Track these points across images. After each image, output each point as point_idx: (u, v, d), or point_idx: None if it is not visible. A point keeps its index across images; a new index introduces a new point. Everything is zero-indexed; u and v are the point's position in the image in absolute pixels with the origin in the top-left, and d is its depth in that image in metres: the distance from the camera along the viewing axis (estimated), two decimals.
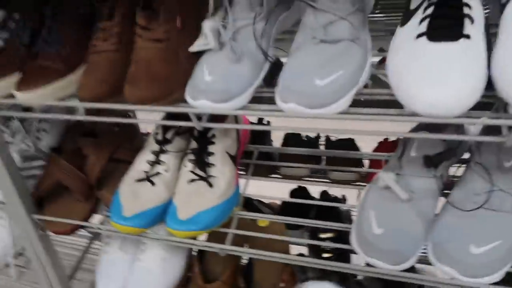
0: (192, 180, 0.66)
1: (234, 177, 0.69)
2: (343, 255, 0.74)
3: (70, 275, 0.90)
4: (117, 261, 0.88)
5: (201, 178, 0.66)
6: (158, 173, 0.68)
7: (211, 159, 0.67)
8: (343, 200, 0.87)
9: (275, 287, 0.75)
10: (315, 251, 0.75)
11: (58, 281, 0.84)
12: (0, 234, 1.09)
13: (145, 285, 0.81)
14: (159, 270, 0.83)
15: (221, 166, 0.67)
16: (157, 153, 0.70)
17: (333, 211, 0.82)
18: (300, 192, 1.25)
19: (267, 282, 0.81)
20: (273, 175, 1.07)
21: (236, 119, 0.74)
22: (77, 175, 0.75)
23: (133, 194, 0.66)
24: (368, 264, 0.57)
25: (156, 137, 0.71)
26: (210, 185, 0.65)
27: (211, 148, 0.68)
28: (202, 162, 0.67)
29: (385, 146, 0.97)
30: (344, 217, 0.82)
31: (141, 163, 0.70)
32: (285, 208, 1.05)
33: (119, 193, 0.67)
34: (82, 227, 0.76)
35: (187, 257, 0.89)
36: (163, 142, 0.70)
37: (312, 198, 1.20)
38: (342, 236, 0.77)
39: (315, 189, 0.97)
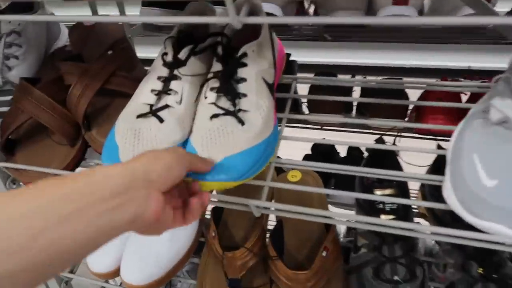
0: (215, 116, 0.48)
1: (273, 112, 0.51)
2: (405, 219, 0.58)
3: None
4: None
5: (228, 112, 0.47)
6: (167, 106, 0.50)
7: (241, 88, 0.49)
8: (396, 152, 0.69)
9: (314, 256, 0.59)
10: (370, 213, 0.59)
11: None
12: None
13: (146, 253, 0.65)
14: (164, 234, 0.67)
15: (255, 97, 0.49)
16: (166, 80, 0.51)
17: (388, 163, 0.65)
18: (324, 147, 1.08)
19: (304, 250, 0.65)
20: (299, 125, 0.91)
21: (271, 36, 0.55)
22: (57, 109, 0.56)
23: (134, 133, 0.48)
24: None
25: (164, 57, 0.52)
26: (241, 122, 0.47)
27: (242, 72, 0.49)
28: (229, 90, 0.48)
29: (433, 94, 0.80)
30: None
31: (143, 94, 0.51)
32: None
33: (115, 132, 0.49)
34: None
35: (198, 220, 0.72)
36: (174, 64, 0.51)
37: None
38: (405, 194, 0.60)
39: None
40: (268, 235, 0.68)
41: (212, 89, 0.49)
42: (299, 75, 0.88)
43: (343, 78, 0.83)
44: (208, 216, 0.81)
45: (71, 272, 0.72)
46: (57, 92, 0.58)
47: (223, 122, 0.47)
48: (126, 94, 0.59)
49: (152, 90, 0.51)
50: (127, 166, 0.34)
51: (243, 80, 0.49)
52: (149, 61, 0.64)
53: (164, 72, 0.52)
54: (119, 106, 0.60)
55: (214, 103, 0.48)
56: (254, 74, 0.50)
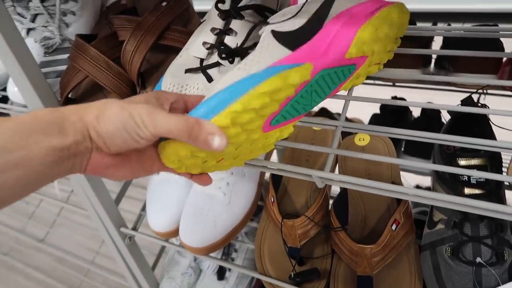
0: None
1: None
2: (496, 194, 0.50)
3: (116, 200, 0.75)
4: (169, 184, 0.71)
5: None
6: (218, 64, 0.45)
7: None
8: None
9: (382, 229, 0.54)
10: (451, 185, 0.51)
11: (101, 205, 0.68)
12: None
13: (204, 215, 0.63)
14: (223, 197, 0.65)
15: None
16: (219, 33, 0.46)
17: (476, 127, 0.56)
18: (395, 106, 0.98)
19: (370, 222, 0.60)
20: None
21: None
22: (112, 68, 0.54)
23: (180, 89, 0.44)
24: None
25: (219, 6, 0.46)
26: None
27: None
28: None
29: None
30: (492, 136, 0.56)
31: (195, 46, 0.47)
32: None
33: (161, 84, 0.46)
34: None
35: (258, 183, 0.69)
36: (231, 14, 0.46)
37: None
38: (495, 164, 0.52)
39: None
40: (331, 202, 0.63)
41: None
42: None
43: (423, 26, 0.72)
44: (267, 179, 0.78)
45: (134, 229, 0.74)
46: (112, 49, 0.56)
47: None
48: (181, 50, 0.55)
49: (204, 43, 0.46)
50: (61, 114, 0.32)
51: None
52: (205, 14, 0.59)
53: (219, 23, 0.46)
54: None
55: None
56: None
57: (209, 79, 0.43)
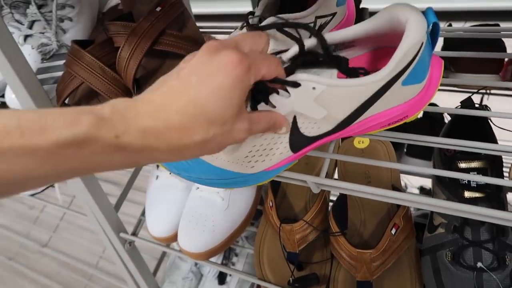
0: None
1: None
2: (496, 197, 0.49)
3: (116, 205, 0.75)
4: (168, 189, 0.71)
5: None
6: None
7: None
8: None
9: (381, 233, 0.53)
10: (451, 189, 0.50)
11: (100, 211, 0.68)
12: None
13: (203, 220, 0.63)
14: (221, 202, 0.64)
15: None
16: None
17: (476, 129, 0.55)
18: None
19: (369, 226, 0.59)
20: None
21: None
22: (107, 74, 0.54)
23: None
24: None
25: (250, 19, 0.44)
26: None
27: None
28: None
29: None
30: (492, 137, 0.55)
31: None
32: None
33: None
34: None
35: (256, 188, 0.69)
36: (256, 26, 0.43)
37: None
38: (496, 166, 0.51)
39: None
40: (330, 206, 0.62)
41: None
42: None
43: None
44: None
45: (134, 234, 0.74)
46: (108, 55, 0.56)
47: None
48: (177, 54, 0.55)
49: None
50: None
51: None
52: (202, 17, 0.58)
53: None
54: (170, 68, 0.56)
55: None
56: None
57: None
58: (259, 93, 0.32)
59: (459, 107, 0.54)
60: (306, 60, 0.32)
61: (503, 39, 0.67)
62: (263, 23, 0.41)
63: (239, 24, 0.71)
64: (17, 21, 0.68)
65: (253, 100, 0.33)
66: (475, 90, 0.65)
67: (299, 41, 0.32)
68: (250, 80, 0.27)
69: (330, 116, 0.33)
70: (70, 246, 1.40)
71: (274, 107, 0.32)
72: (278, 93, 0.32)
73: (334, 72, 0.33)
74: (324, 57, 0.31)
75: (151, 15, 0.54)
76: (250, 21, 0.44)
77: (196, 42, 0.56)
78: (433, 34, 0.33)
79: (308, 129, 0.34)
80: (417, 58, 0.32)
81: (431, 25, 0.32)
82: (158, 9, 0.55)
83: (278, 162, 0.36)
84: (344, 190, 0.42)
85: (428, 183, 1.11)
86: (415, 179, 1.07)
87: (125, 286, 1.16)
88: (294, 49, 0.32)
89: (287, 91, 0.31)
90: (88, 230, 1.39)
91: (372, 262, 0.52)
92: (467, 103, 0.53)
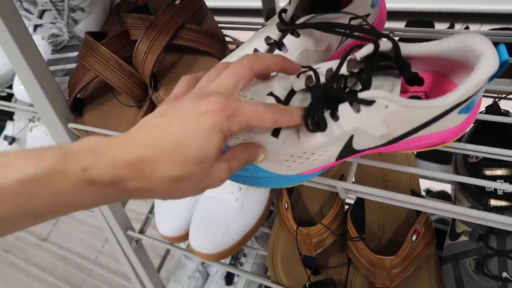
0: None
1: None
2: None
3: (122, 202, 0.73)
4: None
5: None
6: None
7: None
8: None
9: (401, 239, 0.52)
10: (476, 196, 0.49)
11: (108, 208, 0.66)
12: (48, 144, 0.94)
13: (215, 221, 0.61)
14: (235, 202, 0.63)
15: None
16: (272, 44, 0.41)
17: (501, 135, 0.54)
18: None
19: (388, 232, 0.58)
20: None
21: None
22: (123, 68, 0.52)
23: None
24: None
25: (283, 15, 0.41)
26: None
27: None
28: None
29: None
30: None
31: (245, 50, 0.43)
32: None
33: None
34: None
35: (270, 188, 0.67)
36: (289, 27, 0.40)
37: None
38: None
39: None
40: (347, 209, 0.61)
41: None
42: (387, 25, 0.76)
43: (440, 30, 0.70)
44: None
45: (141, 232, 0.72)
46: (123, 48, 0.54)
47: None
48: (196, 49, 0.53)
49: (255, 50, 0.42)
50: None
51: None
52: (219, 11, 0.56)
53: (274, 34, 0.42)
54: (188, 63, 0.55)
55: None
56: None
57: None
58: (329, 101, 0.31)
59: (484, 112, 0.52)
60: (376, 64, 0.30)
61: None
62: (301, 21, 0.39)
63: (250, 19, 0.69)
64: (26, 10, 0.66)
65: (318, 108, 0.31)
66: (496, 95, 0.64)
67: (375, 41, 0.30)
68: (231, 127, 0.27)
69: (388, 134, 0.32)
70: (69, 239, 1.37)
71: (338, 119, 0.31)
72: (351, 104, 0.30)
73: (398, 82, 0.32)
74: (397, 62, 0.30)
75: (171, 8, 0.52)
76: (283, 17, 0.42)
77: (215, 37, 0.55)
78: (499, 69, 0.32)
79: (360, 144, 0.33)
80: (480, 91, 0.32)
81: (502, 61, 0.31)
82: (177, 2, 0.53)
83: (316, 168, 0.34)
84: (372, 196, 0.41)
85: (434, 185, 1.10)
86: (421, 182, 1.06)
87: (124, 282, 1.14)
88: (368, 48, 0.31)
89: (357, 106, 0.30)
90: (87, 224, 1.37)
91: (393, 268, 0.50)
92: (492, 109, 0.52)
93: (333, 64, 0.33)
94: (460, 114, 0.33)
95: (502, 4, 1.23)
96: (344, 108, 0.31)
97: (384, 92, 0.30)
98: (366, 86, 0.30)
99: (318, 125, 0.31)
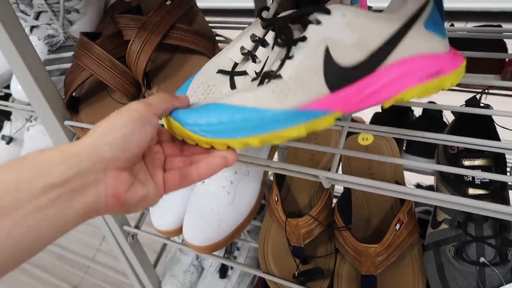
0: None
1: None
2: (500, 194, 0.50)
3: None
4: None
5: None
6: (245, 73, 0.41)
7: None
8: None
9: (385, 228, 0.54)
10: (455, 185, 0.52)
11: None
12: (45, 143, 0.96)
13: (208, 214, 0.64)
14: (226, 196, 0.65)
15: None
16: (257, 41, 0.42)
17: (480, 128, 0.56)
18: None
19: (373, 221, 0.60)
20: None
21: None
22: (117, 67, 0.54)
23: (206, 88, 0.42)
24: None
25: (263, 14, 0.44)
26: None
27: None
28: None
29: None
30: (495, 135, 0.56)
31: (234, 48, 0.44)
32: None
33: (192, 79, 0.44)
34: None
35: (261, 182, 0.69)
36: (270, 25, 0.40)
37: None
38: (499, 164, 0.52)
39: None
40: (334, 201, 0.63)
41: None
42: None
43: None
44: (270, 178, 0.78)
45: (136, 227, 0.74)
46: (117, 48, 0.56)
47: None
48: (187, 49, 0.55)
49: (242, 48, 0.43)
50: (70, 148, 0.28)
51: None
52: (211, 11, 0.58)
53: (259, 31, 0.43)
54: (179, 62, 0.57)
55: None
56: None
57: (233, 86, 0.41)
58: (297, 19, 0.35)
59: (464, 105, 0.55)
60: None
61: (504, 40, 0.68)
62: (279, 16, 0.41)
63: (242, 19, 0.71)
64: (22, 11, 0.68)
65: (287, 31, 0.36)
66: (477, 90, 0.66)
67: None
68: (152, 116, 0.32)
69: (361, 42, 0.34)
70: (66, 238, 1.38)
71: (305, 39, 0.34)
72: (311, 22, 0.34)
73: None
74: None
75: (162, 9, 0.54)
76: (264, 15, 0.44)
77: (205, 36, 0.57)
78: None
79: (341, 57, 0.34)
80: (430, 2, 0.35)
81: None
82: (168, 2, 0.56)
83: (314, 100, 0.33)
84: (355, 185, 0.43)
85: (424, 180, 1.13)
86: (412, 176, 1.09)
87: (122, 278, 1.16)
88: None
89: (317, 21, 0.34)
90: (85, 222, 1.38)
91: (377, 256, 0.53)
92: (472, 102, 0.55)
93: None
94: (430, 31, 0.36)
95: (486, 3, 1.26)
96: (309, 27, 0.34)
97: (339, 4, 0.34)
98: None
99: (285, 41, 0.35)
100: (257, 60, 0.41)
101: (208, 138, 0.33)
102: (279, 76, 0.33)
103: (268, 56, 0.40)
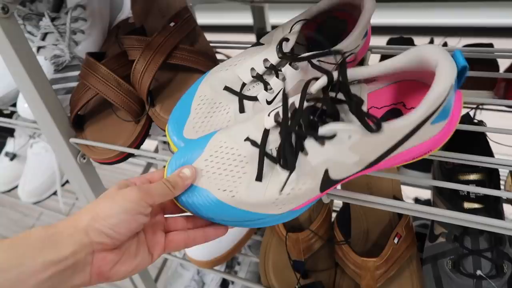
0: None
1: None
2: (494, 208, 0.52)
3: None
4: None
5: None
6: (255, 99, 0.42)
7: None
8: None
9: (384, 242, 0.55)
10: (451, 200, 0.53)
11: None
12: (48, 160, 0.97)
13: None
14: None
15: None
16: (270, 68, 0.42)
17: (474, 143, 0.58)
18: None
19: (372, 235, 0.61)
20: None
21: None
22: (122, 86, 0.56)
23: (211, 105, 0.43)
24: None
25: (284, 43, 0.42)
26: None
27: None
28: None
29: None
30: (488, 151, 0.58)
31: (243, 66, 0.44)
32: None
33: (196, 90, 0.45)
34: (131, 155, 0.58)
35: None
36: (290, 57, 0.41)
37: None
38: (493, 179, 0.53)
39: None
40: (333, 215, 0.64)
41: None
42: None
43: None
44: None
45: None
46: (122, 67, 0.58)
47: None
48: (189, 68, 0.57)
49: (252, 69, 0.43)
50: (64, 228, 0.31)
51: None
52: (209, 28, 0.59)
53: (274, 58, 0.43)
54: (182, 81, 0.59)
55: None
56: None
57: (242, 109, 0.41)
58: (299, 136, 0.33)
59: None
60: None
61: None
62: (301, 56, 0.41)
63: (241, 35, 0.72)
64: (29, 32, 0.70)
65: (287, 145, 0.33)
66: (472, 106, 0.68)
67: (328, 72, 0.32)
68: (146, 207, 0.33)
69: (361, 161, 0.34)
70: None
71: (307, 154, 0.33)
72: (316, 139, 0.32)
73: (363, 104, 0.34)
74: (346, 98, 0.32)
75: (165, 30, 0.56)
76: (284, 47, 0.43)
77: (207, 55, 0.59)
78: (460, 75, 0.34)
79: (337, 174, 0.35)
80: (446, 99, 0.33)
81: (460, 67, 0.33)
82: (172, 24, 0.58)
83: (305, 201, 0.36)
84: (353, 200, 0.44)
85: (422, 194, 1.14)
86: (410, 191, 1.10)
87: None
88: (323, 81, 0.33)
89: (322, 142, 0.32)
90: None
91: (376, 270, 0.54)
92: (466, 119, 0.56)
93: (296, 98, 0.35)
94: (434, 124, 0.35)
95: (479, 19, 1.29)
96: (310, 143, 0.33)
97: (344, 123, 0.31)
98: (331, 116, 0.32)
99: (287, 165, 0.33)
100: (268, 88, 0.41)
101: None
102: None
103: (282, 87, 0.41)
